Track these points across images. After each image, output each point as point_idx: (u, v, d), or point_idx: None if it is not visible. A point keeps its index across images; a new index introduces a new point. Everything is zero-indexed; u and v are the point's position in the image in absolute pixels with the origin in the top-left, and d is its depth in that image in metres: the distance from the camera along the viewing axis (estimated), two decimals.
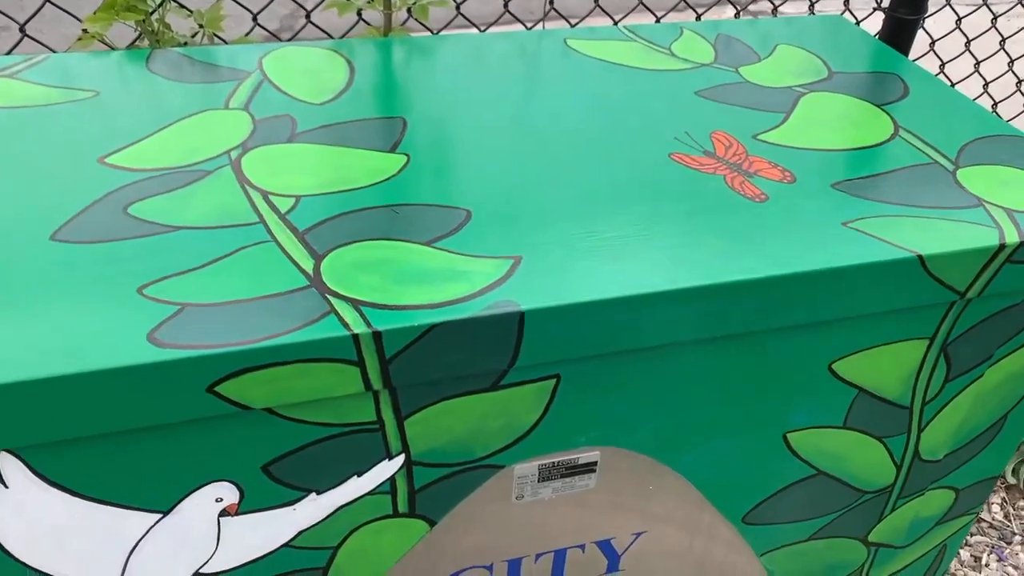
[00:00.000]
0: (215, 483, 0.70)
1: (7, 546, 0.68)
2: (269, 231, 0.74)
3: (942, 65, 1.62)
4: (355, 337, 0.64)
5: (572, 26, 1.37)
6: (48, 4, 1.17)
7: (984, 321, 0.87)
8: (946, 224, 0.81)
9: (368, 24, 1.18)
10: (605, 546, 0.90)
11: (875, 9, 1.51)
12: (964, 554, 1.67)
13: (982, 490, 1.08)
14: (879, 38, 1.48)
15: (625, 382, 0.77)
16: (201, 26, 1.11)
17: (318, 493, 0.74)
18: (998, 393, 0.96)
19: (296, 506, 0.74)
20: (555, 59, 1.07)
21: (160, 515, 0.70)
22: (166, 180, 0.80)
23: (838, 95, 1.03)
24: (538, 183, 0.83)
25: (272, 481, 0.71)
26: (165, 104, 0.91)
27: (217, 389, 0.64)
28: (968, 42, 1.63)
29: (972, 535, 1.71)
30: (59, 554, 0.69)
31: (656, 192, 0.83)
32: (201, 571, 0.74)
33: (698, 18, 1.52)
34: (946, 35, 1.63)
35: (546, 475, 0.80)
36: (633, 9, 1.47)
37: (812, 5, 1.59)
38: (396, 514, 0.78)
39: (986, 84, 1.67)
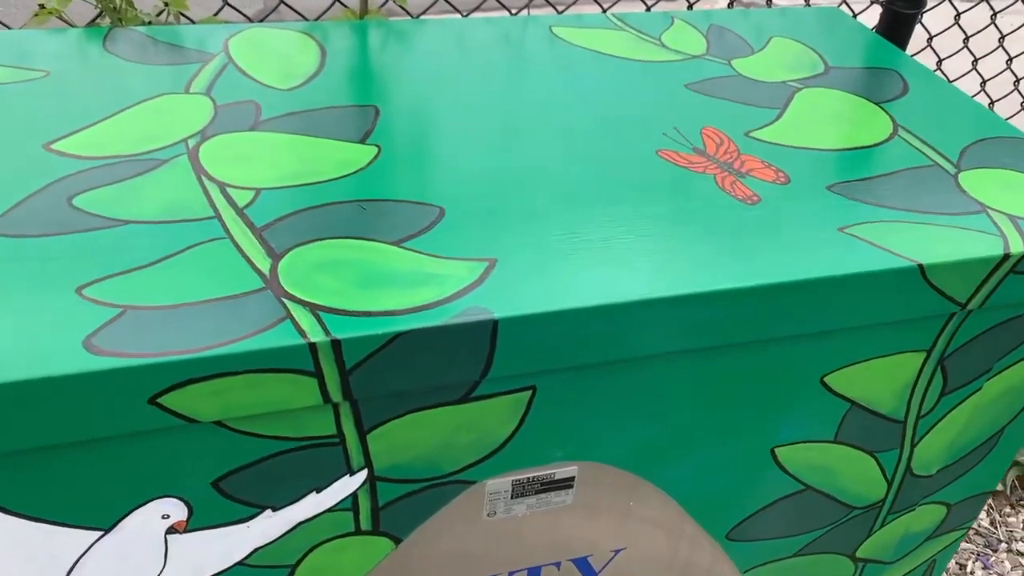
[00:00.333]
0: (161, 499, 0.65)
1: None
2: (224, 227, 0.69)
3: (939, 62, 1.58)
4: (312, 346, 0.59)
5: (559, 13, 1.32)
6: None
7: (984, 333, 0.83)
8: (947, 231, 0.77)
9: (345, 7, 1.12)
10: (582, 564, 0.85)
11: (872, 2, 1.46)
12: (950, 562, 1.64)
13: (974, 505, 1.04)
14: (876, 32, 1.43)
15: (605, 394, 0.72)
16: (166, 4, 1.05)
17: (274, 510, 0.69)
18: (995, 406, 0.92)
19: (250, 523, 0.69)
20: (539, 47, 1.02)
21: (101, 533, 0.65)
22: (116, 169, 0.74)
23: (834, 91, 0.98)
24: (517, 179, 0.78)
25: (223, 497, 0.66)
26: (121, 87, 0.86)
27: (160, 401, 0.58)
28: (966, 38, 1.58)
29: None
30: None
31: (642, 192, 0.78)
32: None
33: (690, 7, 1.47)
34: (944, 31, 1.59)
35: (520, 491, 0.76)
36: None
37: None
38: (358, 531, 0.73)
39: (983, 82, 1.63)
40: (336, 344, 0.60)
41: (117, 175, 0.73)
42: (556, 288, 0.66)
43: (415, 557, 0.77)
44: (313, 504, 0.69)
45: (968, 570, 1.63)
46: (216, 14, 1.10)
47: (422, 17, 1.28)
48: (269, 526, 0.69)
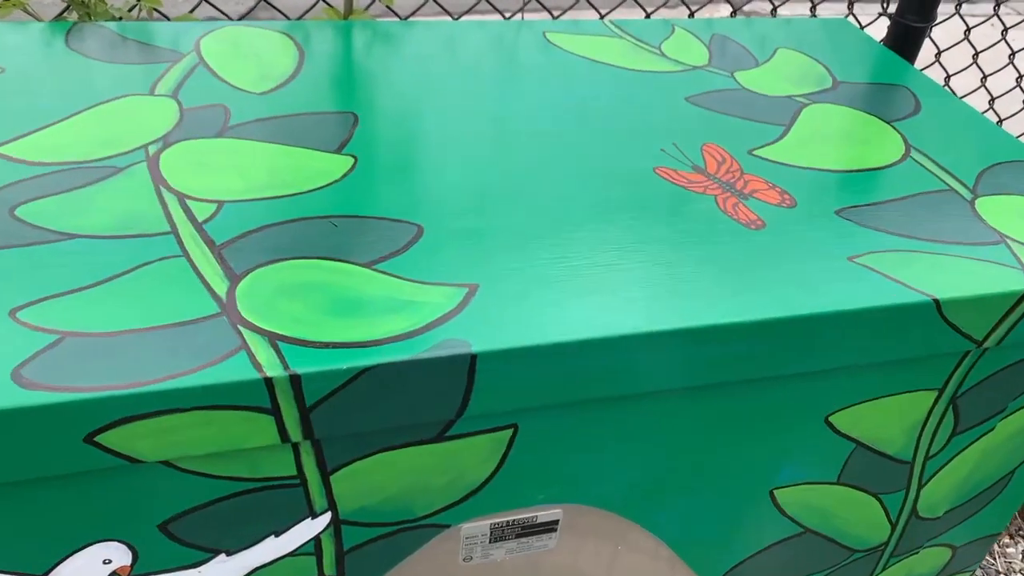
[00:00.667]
0: (102, 543, 0.59)
1: None
2: (180, 244, 0.63)
3: (947, 77, 1.53)
4: (268, 381, 0.53)
5: (555, 18, 1.26)
6: None
7: (1000, 372, 0.77)
8: (964, 263, 0.71)
9: (329, 5, 1.06)
10: None
11: (881, 14, 1.41)
12: None
13: (981, 547, 0.98)
14: (883, 44, 1.38)
15: (594, 433, 0.67)
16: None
17: (228, 554, 0.63)
18: (1007, 446, 0.87)
19: (202, 568, 0.63)
20: (532, 54, 0.96)
21: None
22: (68, 177, 0.68)
23: (843, 108, 0.93)
24: (503, 197, 0.72)
25: (172, 540, 0.60)
26: (81, 86, 0.80)
27: (98, 439, 0.52)
28: (976, 54, 1.53)
29: None
30: None
31: (637, 213, 0.72)
32: None
33: (691, 15, 1.41)
34: (953, 46, 1.54)
35: (499, 535, 0.70)
36: (621, 3, 1.37)
37: (814, 7, 1.48)
38: None
39: (992, 99, 1.58)
40: (295, 379, 0.54)
41: (68, 183, 0.67)
42: (542, 319, 0.60)
43: None
44: (271, 548, 0.63)
45: None
46: (192, 11, 1.04)
47: (411, 19, 1.23)
48: (223, 572, 0.63)
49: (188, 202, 0.67)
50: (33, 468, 0.53)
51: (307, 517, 0.63)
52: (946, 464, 0.84)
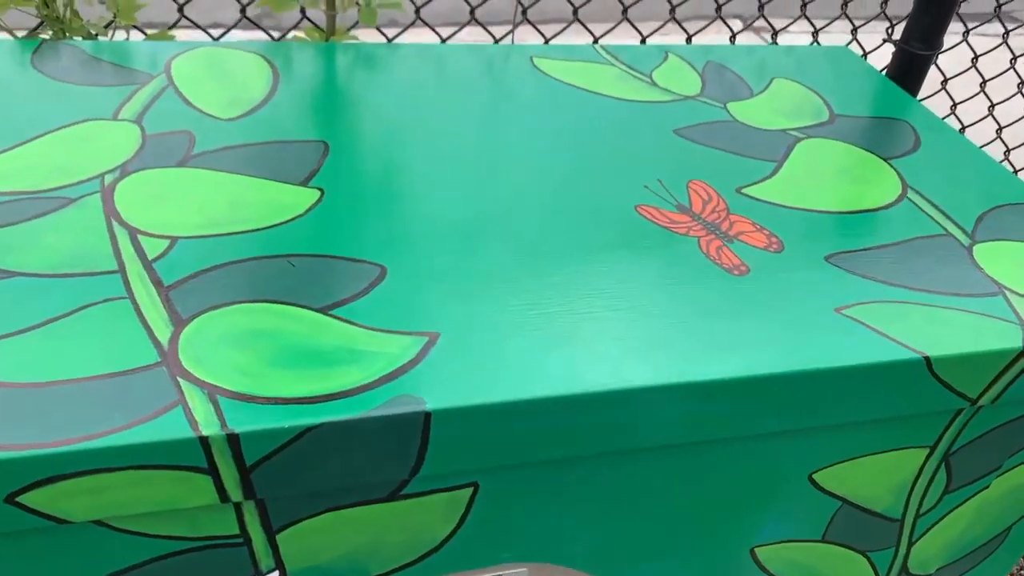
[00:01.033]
0: None
1: None
2: (127, 284, 0.59)
3: (954, 105, 1.49)
4: (203, 440, 0.50)
5: (546, 40, 1.23)
6: None
7: (995, 429, 0.73)
8: (959, 316, 0.67)
9: (313, 24, 1.03)
10: None
11: (885, 40, 1.37)
12: None
13: None
14: (887, 73, 1.34)
15: (561, 492, 0.63)
16: (115, 16, 0.97)
17: None
18: (1003, 503, 0.83)
19: None
20: (516, 80, 0.93)
21: None
22: (15, 208, 0.65)
23: (839, 143, 0.89)
24: (475, 234, 0.69)
25: None
26: (41, 109, 0.77)
27: (20, 500, 0.49)
28: (984, 83, 1.49)
29: None
30: None
31: (615, 255, 0.69)
32: None
33: (688, 40, 1.38)
34: (960, 74, 1.50)
35: None
36: (618, 24, 1.33)
37: (816, 32, 1.45)
38: None
39: (1000, 128, 1.54)
40: (233, 439, 0.51)
41: (14, 215, 0.64)
42: (505, 373, 0.57)
43: None
44: None
45: None
46: (171, 28, 1.01)
47: (398, 39, 1.20)
48: None
49: (140, 238, 0.64)
50: None
51: None
52: (939, 521, 0.80)
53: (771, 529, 0.73)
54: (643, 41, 1.32)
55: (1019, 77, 1.52)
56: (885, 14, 1.39)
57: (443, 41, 1.20)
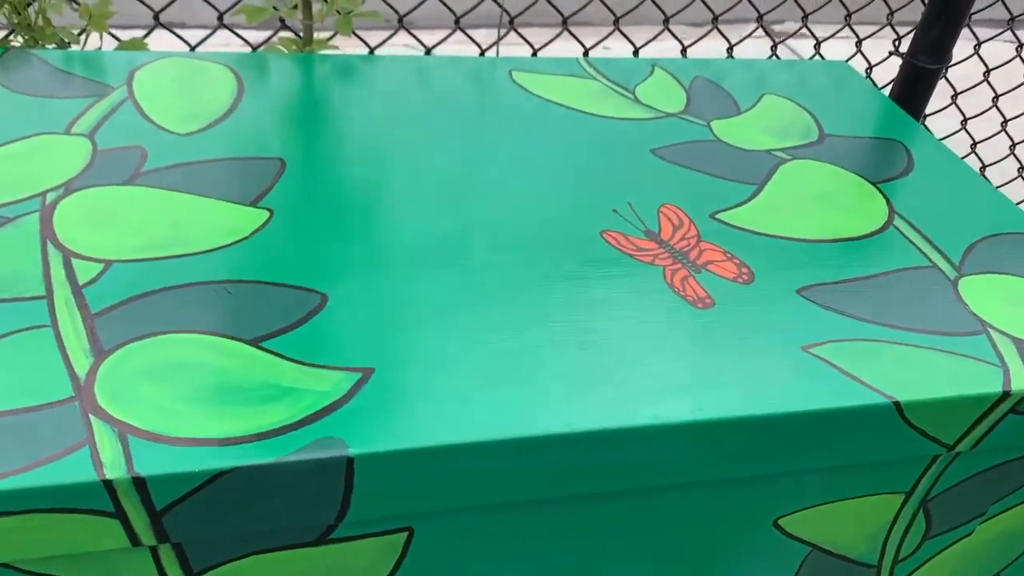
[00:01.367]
0: None
1: None
2: (52, 311, 0.57)
3: (964, 120, 1.44)
4: (107, 483, 0.48)
5: (535, 51, 1.20)
6: None
7: (977, 475, 0.69)
8: (936, 357, 0.63)
9: (295, 34, 1.01)
10: None
11: (891, 53, 1.32)
12: None
13: None
14: (893, 87, 1.30)
15: (505, 538, 0.60)
16: (88, 23, 0.95)
17: None
18: (990, 549, 0.78)
19: None
20: (492, 95, 0.90)
21: None
22: None
23: (825, 165, 0.85)
24: (426, 260, 0.66)
25: None
26: None
27: None
28: (996, 97, 1.44)
29: None
30: None
31: (571, 286, 0.65)
32: None
33: (684, 52, 1.34)
34: (972, 88, 1.45)
35: None
36: (609, 34, 1.29)
37: (818, 44, 1.40)
38: None
39: (1013, 145, 1.49)
40: (139, 482, 0.48)
41: None
42: (438, 414, 0.54)
43: None
44: None
45: None
46: (145, 37, 0.99)
47: (381, 47, 1.17)
48: None
49: (74, 261, 0.61)
50: None
51: None
52: (920, 567, 0.76)
53: (737, 575, 0.69)
54: (636, 53, 1.28)
55: None
56: (892, 27, 1.34)
57: (428, 50, 1.17)
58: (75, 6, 0.95)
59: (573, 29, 1.24)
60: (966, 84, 1.46)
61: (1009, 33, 1.43)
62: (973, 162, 1.54)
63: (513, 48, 1.34)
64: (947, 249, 0.76)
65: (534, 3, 1.17)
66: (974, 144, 1.49)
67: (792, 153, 0.87)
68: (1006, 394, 0.62)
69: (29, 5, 0.92)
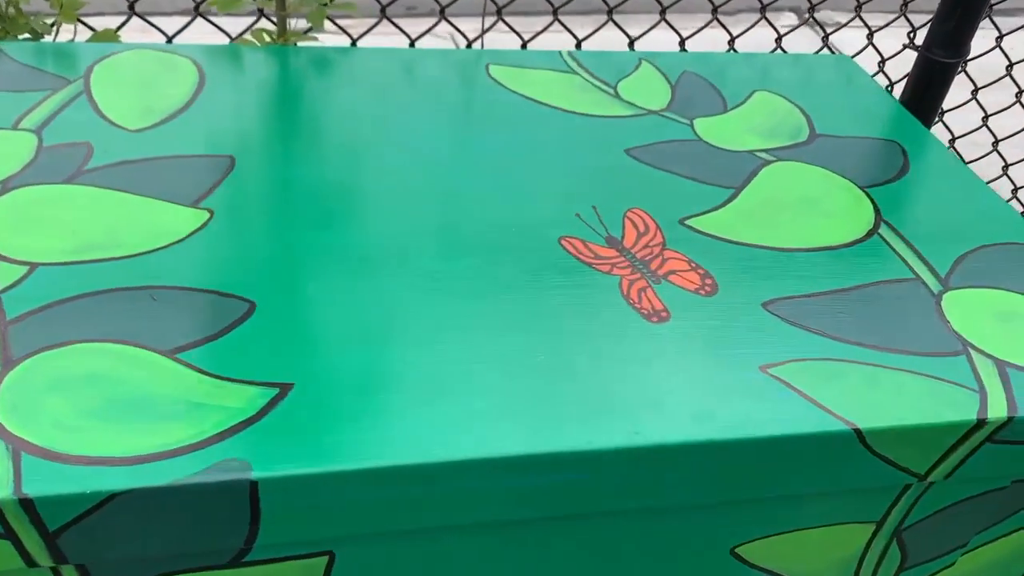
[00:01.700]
0: None
1: None
2: None
3: (985, 117, 1.37)
4: None
5: (524, 43, 1.16)
6: None
7: (956, 505, 0.65)
8: (908, 379, 0.59)
9: (272, 22, 0.98)
10: None
11: (905, 46, 1.26)
12: None
13: None
14: (907, 82, 1.23)
15: (435, 563, 0.57)
16: (59, 14, 0.93)
17: None
18: None
19: None
20: (464, 91, 0.86)
21: None
22: None
23: (812, 167, 0.81)
24: (367, 267, 0.63)
25: None
26: None
27: None
28: (1020, 92, 1.37)
29: None
30: None
31: (518, 297, 0.62)
32: None
33: (682, 44, 1.29)
34: (994, 83, 1.38)
35: None
36: (601, 27, 1.24)
37: (826, 36, 1.34)
38: None
39: None
40: (27, 503, 0.46)
41: None
42: (354, 435, 0.51)
43: None
44: None
45: None
46: (118, 29, 0.97)
47: (364, 37, 1.14)
48: None
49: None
50: None
51: None
52: None
53: None
54: (631, 44, 1.23)
55: None
56: (906, 17, 1.28)
57: (412, 42, 1.14)
58: None
59: (616, 18, 1.17)
60: (989, 78, 1.39)
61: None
62: (995, 161, 1.47)
63: (504, 37, 1.30)
64: (934, 260, 0.71)
65: None
66: (996, 142, 1.42)
67: (778, 154, 0.82)
68: (981, 422, 0.57)
69: None
